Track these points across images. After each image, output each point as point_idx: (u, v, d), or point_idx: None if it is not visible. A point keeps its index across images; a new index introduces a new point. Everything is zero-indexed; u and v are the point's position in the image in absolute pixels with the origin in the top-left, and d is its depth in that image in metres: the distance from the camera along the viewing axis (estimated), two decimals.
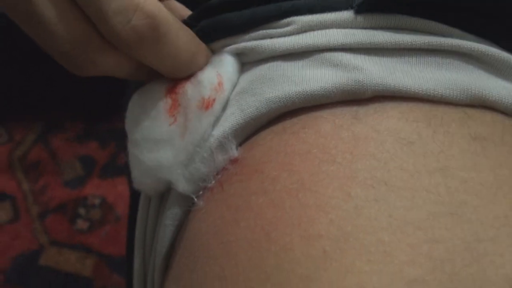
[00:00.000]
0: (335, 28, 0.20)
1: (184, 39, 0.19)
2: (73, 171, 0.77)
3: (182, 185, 0.20)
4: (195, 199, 0.20)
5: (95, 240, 0.69)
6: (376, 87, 0.18)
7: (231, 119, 0.20)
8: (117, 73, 0.19)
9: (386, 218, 0.15)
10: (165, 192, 0.22)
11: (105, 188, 0.74)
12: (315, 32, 0.20)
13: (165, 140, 0.20)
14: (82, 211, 0.73)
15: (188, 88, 0.20)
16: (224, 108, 0.21)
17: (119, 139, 0.80)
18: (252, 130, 0.20)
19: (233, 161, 0.19)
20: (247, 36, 0.21)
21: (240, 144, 0.20)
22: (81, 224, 0.71)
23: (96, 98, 0.79)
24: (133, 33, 0.17)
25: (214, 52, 0.22)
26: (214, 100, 0.20)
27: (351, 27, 0.20)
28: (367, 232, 0.15)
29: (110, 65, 0.18)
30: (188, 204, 0.20)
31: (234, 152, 0.19)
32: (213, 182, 0.20)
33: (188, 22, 0.20)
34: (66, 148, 0.79)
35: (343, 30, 0.20)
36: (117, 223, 0.71)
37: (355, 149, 0.17)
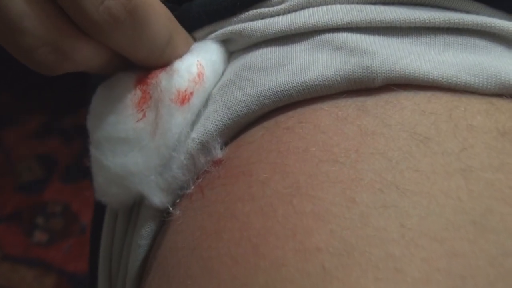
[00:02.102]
0: (338, 4, 0.20)
1: (162, 22, 0.19)
2: (30, 173, 0.76)
3: (156, 197, 0.20)
4: (170, 208, 0.20)
5: (56, 255, 0.69)
6: (387, 74, 0.18)
7: (214, 118, 0.20)
8: (89, 66, 0.19)
9: (397, 228, 0.15)
10: (135, 205, 0.22)
11: (69, 194, 0.74)
12: (314, 9, 0.20)
13: (131, 140, 0.20)
14: (40, 220, 0.72)
15: (162, 78, 0.20)
16: (205, 104, 0.20)
17: (86, 136, 0.79)
18: (239, 127, 0.20)
19: (216, 162, 0.19)
20: (234, 19, 0.21)
21: (225, 142, 0.20)
22: (40, 236, 0.71)
23: (59, 87, 0.79)
24: (106, 15, 0.17)
25: (196, 41, 0.22)
26: (191, 93, 0.20)
27: (358, 2, 0.20)
28: (374, 245, 0.15)
29: (83, 57, 0.18)
30: (162, 215, 0.20)
31: (218, 153, 0.19)
32: (192, 187, 0.20)
33: (168, 6, 0.20)
34: (22, 146, 0.79)
35: (348, 6, 0.20)
36: (83, 236, 0.70)
37: (361, 147, 0.17)
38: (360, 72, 0.18)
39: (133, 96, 0.20)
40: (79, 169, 0.77)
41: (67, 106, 0.81)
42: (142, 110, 0.20)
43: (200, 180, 0.19)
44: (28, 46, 0.17)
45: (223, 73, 0.21)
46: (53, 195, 0.75)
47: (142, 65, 0.20)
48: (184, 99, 0.20)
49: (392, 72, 0.18)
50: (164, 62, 0.20)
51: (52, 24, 0.17)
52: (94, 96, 0.21)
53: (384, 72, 0.18)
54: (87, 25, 0.17)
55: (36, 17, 0.16)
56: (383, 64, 0.18)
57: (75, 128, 0.80)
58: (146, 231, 0.21)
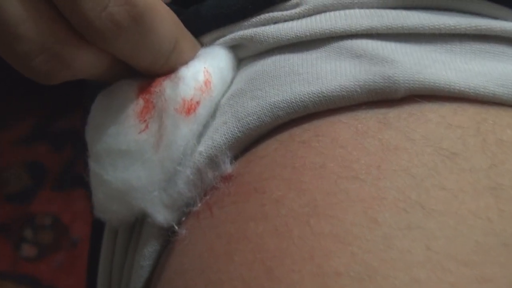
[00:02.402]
0: (357, 8, 0.20)
1: (168, 27, 0.19)
2: (17, 182, 0.76)
3: (160, 214, 0.20)
4: (176, 227, 0.20)
5: (45, 270, 0.68)
6: (411, 84, 0.18)
7: (224, 130, 0.20)
8: (89, 73, 0.19)
9: (422, 251, 0.15)
10: (137, 222, 0.22)
11: (59, 204, 0.73)
12: (332, 14, 0.20)
13: (133, 153, 0.20)
14: (28, 233, 0.72)
15: (166, 87, 0.20)
16: (213, 115, 0.20)
17: (77, 142, 0.79)
18: (250, 140, 0.20)
19: (226, 178, 0.19)
20: (245, 23, 0.21)
21: (235, 156, 0.20)
22: (28, 250, 0.70)
23: (49, 88, 0.78)
24: (109, 22, 0.17)
25: (204, 46, 0.22)
26: (198, 103, 0.20)
27: (378, 7, 0.20)
28: (398, 269, 0.15)
29: (83, 65, 0.18)
30: (167, 233, 0.20)
31: (227, 167, 0.19)
32: (200, 205, 0.20)
33: (173, 9, 0.20)
34: (9, 152, 0.79)
35: (367, 11, 0.20)
36: (74, 249, 0.70)
37: (383, 163, 0.17)
38: (381, 82, 0.18)
39: (135, 105, 0.20)
40: (71, 177, 0.76)
41: (58, 109, 0.81)
42: (145, 120, 0.20)
43: (208, 197, 0.19)
44: (25, 53, 0.17)
45: (231, 82, 0.21)
46: (43, 205, 0.74)
47: (145, 72, 0.20)
48: (190, 109, 0.20)
49: (416, 82, 0.18)
50: (168, 69, 0.20)
51: (51, 30, 0.17)
52: (93, 105, 0.21)
53: (407, 82, 0.18)
54: (88, 32, 0.17)
55: (34, 22, 0.16)
56: (406, 74, 0.18)
57: (67, 133, 0.80)
58: (149, 251, 0.21)
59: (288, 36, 0.20)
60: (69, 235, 0.72)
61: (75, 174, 0.77)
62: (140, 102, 0.20)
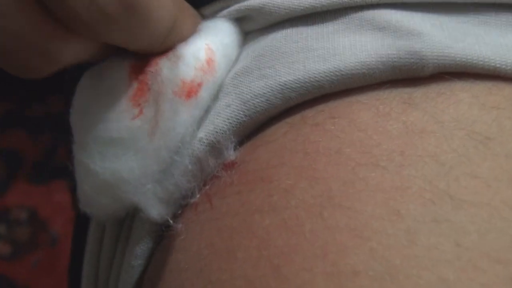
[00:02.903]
0: None
1: (165, 6, 0.18)
2: None
3: (154, 210, 0.20)
4: (171, 221, 0.20)
5: (21, 270, 0.69)
6: (440, 60, 0.18)
7: (227, 114, 0.20)
8: (78, 61, 0.19)
9: (451, 248, 0.15)
10: (127, 216, 0.22)
11: (37, 197, 0.73)
12: None
13: (125, 141, 0.19)
14: (2, 229, 0.72)
15: (163, 67, 0.20)
16: (215, 96, 0.20)
17: (57, 128, 0.80)
18: (257, 124, 0.20)
19: (229, 165, 0.19)
20: None
21: (239, 142, 0.20)
22: (1, 247, 0.71)
23: None
24: (98, 14, 0.16)
25: (205, 19, 0.21)
26: (200, 84, 0.20)
27: None
28: (423, 267, 0.15)
29: (70, 56, 0.18)
30: (160, 229, 0.20)
31: (231, 154, 0.19)
32: (198, 196, 0.19)
33: None
34: None
35: None
36: (53, 248, 0.70)
37: (408, 148, 0.17)
38: (407, 58, 0.18)
39: (128, 87, 0.20)
40: (50, 167, 0.76)
41: (35, 93, 0.81)
42: (139, 105, 0.20)
43: (207, 187, 0.19)
44: (7, 49, 0.16)
45: (236, 59, 0.21)
46: (18, 198, 0.75)
47: (140, 52, 0.20)
48: (190, 91, 0.19)
49: (446, 58, 0.18)
50: (166, 47, 0.20)
51: (36, 24, 0.16)
52: (79, 85, 0.21)
53: (435, 58, 0.18)
54: (76, 25, 0.17)
55: (17, 14, 0.16)
56: (434, 48, 0.18)
57: (44, 118, 0.80)
58: (140, 250, 0.21)
59: (301, 6, 0.20)
60: (48, 231, 0.72)
61: (55, 164, 0.77)
62: (133, 84, 0.20)
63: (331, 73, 0.19)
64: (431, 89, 0.18)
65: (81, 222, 0.26)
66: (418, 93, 0.18)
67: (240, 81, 0.20)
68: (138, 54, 0.20)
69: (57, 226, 0.71)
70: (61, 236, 0.70)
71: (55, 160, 0.76)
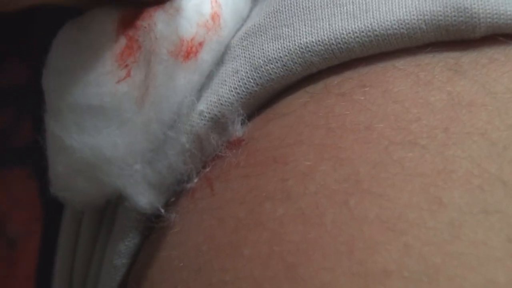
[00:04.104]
0: None
1: None
2: None
3: (143, 197, 0.20)
4: (162, 210, 0.20)
5: None
6: (494, 19, 0.18)
7: (235, 82, 0.20)
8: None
9: (502, 244, 0.15)
10: (109, 205, 0.22)
11: None
12: None
13: (108, 111, 0.20)
14: None
15: (158, 20, 0.20)
16: (220, 60, 0.20)
17: (19, 102, 0.78)
18: (270, 94, 0.20)
19: (234, 143, 0.20)
20: None
21: (248, 115, 0.20)
22: None
23: None
24: None
25: None
26: (201, 44, 0.20)
27: None
28: (469, 267, 0.15)
29: None
30: (149, 219, 0.21)
31: (238, 130, 0.20)
32: (196, 180, 0.20)
33: None
34: None
35: None
36: (12, 251, 0.70)
37: (453, 124, 0.17)
38: (454, 16, 0.18)
39: (114, 44, 0.20)
40: (7, 151, 0.76)
41: None
42: (126, 65, 0.20)
43: (208, 170, 0.20)
44: None
45: (248, 15, 0.22)
46: None
47: (131, 3, 0.20)
48: (189, 52, 0.20)
49: (501, 16, 0.18)
50: None
51: None
52: (56, 41, 0.21)
53: (489, 17, 0.18)
54: None
55: None
56: (488, 5, 0.18)
57: (5, 89, 0.80)
58: (125, 246, 0.21)
59: None
60: (4, 231, 0.72)
61: (12, 148, 0.77)
62: (121, 40, 0.20)
63: (363, 33, 0.19)
64: (482, 54, 0.18)
65: (53, 212, 0.27)
66: (466, 58, 0.18)
67: (251, 42, 0.20)
68: (129, 5, 0.20)
69: (16, 225, 0.71)
70: (22, 238, 0.70)
71: (15, 142, 0.76)
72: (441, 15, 0.19)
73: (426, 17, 0.19)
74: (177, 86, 0.20)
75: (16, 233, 0.72)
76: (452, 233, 0.15)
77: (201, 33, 0.20)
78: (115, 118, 0.20)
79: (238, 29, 0.21)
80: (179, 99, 0.20)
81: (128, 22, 0.20)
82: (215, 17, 0.20)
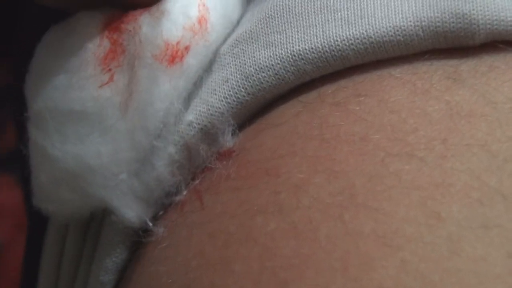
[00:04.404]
0: None
1: None
2: None
3: (129, 210, 0.20)
4: (150, 224, 0.20)
5: None
6: (494, 26, 0.18)
7: (225, 92, 0.20)
8: None
9: (503, 260, 0.15)
10: (95, 218, 0.22)
11: None
12: None
13: (91, 117, 0.20)
14: None
15: (143, 23, 0.20)
16: (209, 67, 0.20)
17: (3, 106, 0.78)
18: (262, 104, 0.20)
19: (225, 154, 0.19)
20: None
21: (239, 125, 0.20)
22: None
23: None
24: None
25: None
26: (187, 48, 0.20)
27: None
28: (468, 285, 0.15)
29: None
30: (136, 234, 0.20)
31: (228, 140, 0.19)
32: (185, 192, 0.20)
33: None
34: None
35: None
36: None
37: (452, 135, 0.17)
38: (453, 22, 0.18)
39: (97, 47, 0.20)
40: None
41: None
42: (109, 70, 0.20)
43: (197, 182, 0.20)
44: None
45: (238, 21, 0.21)
46: None
47: (117, 3, 0.20)
48: (174, 56, 0.20)
49: (501, 23, 0.18)
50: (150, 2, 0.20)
51: None
52: (40, 44, 0.21)
53: (489, 23, 0.18)
54: None
55: None
56: (487, 11, 0.18)
57: None
58: (112, 262, 0.21)
59: None
60: None
61: None
62: (105, 43, 0.20)
63: (358, 40, 0.19)
64: (482, 61, 0.18)
65: (36, 225, 0.27)
66: (465, 66, 0.18)
67: (242, 49, 0.20)
68: (114, 7, 0.20)
69: (1, 232, 0.71)
70: (6, 245, 0.69)
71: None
72: (439, 21, 0.18)
73: (423, 23, 0.19)
74: (162, 91, 0.19)
75: (2, 240, 0.72)
76: (451, 248, 0.15)
77: (187, 37, 0.20)
78: (98, 124, 0.20)
79: (228, 35, 0.21)
80: (164, 105, 0.20)
81: (113, 25, 0.20)
82: (202, 21, 0.20)
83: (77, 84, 0.20)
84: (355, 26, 0.19)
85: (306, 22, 0.20)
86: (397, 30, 0.19)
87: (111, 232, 0.21)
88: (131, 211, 0.20)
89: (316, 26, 0.19)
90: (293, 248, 0.16)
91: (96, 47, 0.20)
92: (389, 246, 0.16)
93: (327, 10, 0.19)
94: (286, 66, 0.19)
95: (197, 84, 0.20)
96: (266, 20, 0.20)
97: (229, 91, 0.20)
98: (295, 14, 0.20)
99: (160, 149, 0.20)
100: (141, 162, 0.20)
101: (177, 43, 0.20)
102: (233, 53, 0.20)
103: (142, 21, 0.20)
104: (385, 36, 0.19)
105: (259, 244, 0.17)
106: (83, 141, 0.20)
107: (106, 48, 0.20)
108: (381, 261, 0.15)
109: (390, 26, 0.19)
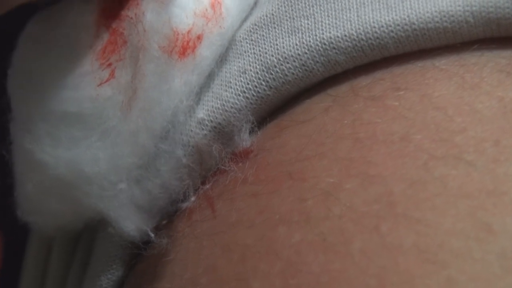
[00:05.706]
0: None
1: None
2: None
3: (130, 222, 0.19)
4: (151, 234, 0.19)
5: None
6: None
7: (242, 84, 0.19)
8: None
9: None
10: (85, 231, 0.21)
11: None
12: None
13: (87, 119, 0.19)
14: None
15: (147, 9, 0.19)
16: (223, 57, 0.20)
17: None
18: (285, 99, 0.19)
19: (241, 155, 0.19)
20: None
21: (258, 122, 0.19)
22: None
23: None
24: None
25: None
26: (200, 37, 0.19)
27: None
28: None
29: None
30: (136, 246, 0.20)
31: (245, 139, 0.19)
32: (194, 198, 0.19)
33: None
34: None
35: None
36: None
37: (505, 136, 0.17)
38: (508, 7, 0.18)
39: (94, 39, 0.20)
40: None
41: None
42: (109, 65, 0.19)
43: (208, 186, 0.19)
44: None
45: (256, 2, 0.20)
46: None
47: None
48: (185, 47, 0.19)
49: None
50: None
51: None
52: (22, 36, 0.20)
53: None
54: None
55: None
56: None
57: None
58: (107, 280, 0.20)
59: None
60: None
61: None
62: (103, 34, 0.20)
63: (398, 27, 0.18)
64: None
65: (17, 239, 0.26)
66: None
67: (262, 35, 0.19)
68: None
69: None
70: None
71: None
72: (491, 7, 0.18)
73: (474, 8, 0.18)
74: (172, 89, 0.19)
75: None
76: (504, 266, 0.15)
77: (199, 25, 0.19)
78: (96, 127, 0.19)
79: (244, 19, 0.20)
80: (174, 104, 0.19)
81: (110, 12, 0.19)
82: (215, 4, 0.19)
83: (72, 83, 0.19)
84: (395, 11, 0.18)
85: (338, 5, 0.19)
86: (444, 16, 0.18)
87: (106, 247, 0.20)
88: (131, 223, 0.19)
89: (350, 9, 0.19)
90: (322, 263, 0.16)
91: (92, 38, 0.19)
92: (433, 262, 0.15)
93: None
94: (314, 56, 0.19)
95: (210, 76, 0.20)
96: (290, 1, 0.20)
97: (247, 84, 0.19)
98: None
99: (166, 153, 0.19)
100: (144, 168, 0.19)
101: (188, 32, 0.19)
102: (252, 40, 0.20)
103: (146, 7, 0.19)
104: (429, 22, 0.18)
105: (281, 258, 0.16)
106: (78, 145, 0.19)
107: (104, 39, 0.19)
108: (423, 280, 0.15)
109: (435, 11, 0.18)
